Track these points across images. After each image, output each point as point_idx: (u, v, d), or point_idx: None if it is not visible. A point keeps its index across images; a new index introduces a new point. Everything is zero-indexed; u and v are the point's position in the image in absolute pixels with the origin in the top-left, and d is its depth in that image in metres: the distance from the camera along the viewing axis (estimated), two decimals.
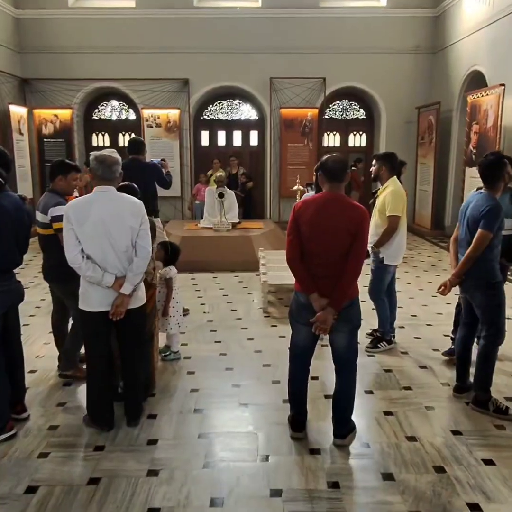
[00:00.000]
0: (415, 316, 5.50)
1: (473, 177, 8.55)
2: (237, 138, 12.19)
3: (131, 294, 3.05)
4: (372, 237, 4.38)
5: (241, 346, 4.65)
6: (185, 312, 5.52)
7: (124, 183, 3.50)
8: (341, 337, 3.00)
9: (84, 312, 3.08)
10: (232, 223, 8.35)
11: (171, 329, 4.29)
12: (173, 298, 4.31)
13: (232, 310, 5.73)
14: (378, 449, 3.06)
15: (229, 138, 12.17)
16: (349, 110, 12.15)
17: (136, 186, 3.65)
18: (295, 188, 8.04)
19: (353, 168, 10.84)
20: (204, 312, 5.66)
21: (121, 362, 3.29)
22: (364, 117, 12.17)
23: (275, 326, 5.20)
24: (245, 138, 12.17)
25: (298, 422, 3.21)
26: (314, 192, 4.70)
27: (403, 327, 5.11)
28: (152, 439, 3.16)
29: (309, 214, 2.89)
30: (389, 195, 4.27)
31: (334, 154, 3.00)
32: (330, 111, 12.02)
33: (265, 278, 5.73)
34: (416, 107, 11.21)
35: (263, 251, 7.28)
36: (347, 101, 12.09)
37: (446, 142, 10.43)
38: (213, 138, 12.17)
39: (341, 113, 12.15)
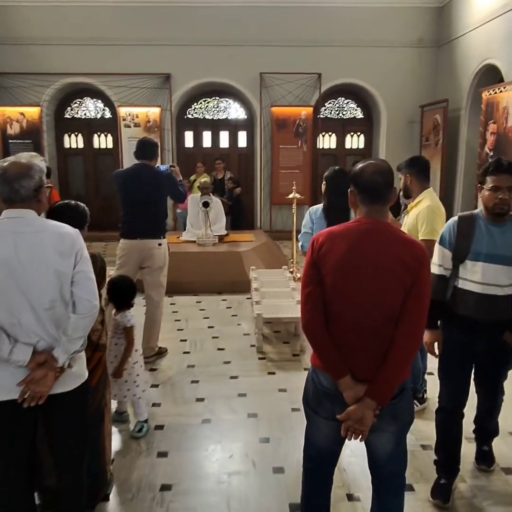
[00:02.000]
0: None
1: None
2: (224, 139, 11.14)
3: (63, 369, 1.99)
4: None
5: (230, 408, 3.59)
6: (163, 352, 4.47)
7: (60, 203, 2.45)
8: (384, 440, 1.96)
9: None
10: (218, 236, 7.31)
11: (134, 395, 3.23)
12: (137, 350, 3.27)
13: (219, 349, 4.67)
14: None
15: (215, 139, 11.11)
16: (346, 109, 11.16)
17: (81, 204, 2.56)
18: (291, 196, 7.02)
19: None
20: (185, 352, 4.59)
21: (53, 460, 2.23)
22: (362, 116, 11.19)
23: (273, 373, 4.15)
24: (233, 139, 11.13)
25: None
26: (322, 206, 3.70)
27: (431, 373, 4.09)
28: None
29: (338, 254, 1.86)
30: (425, 212, 3.24)
31: (371, 161, 1.96)
32: (325, 110, 11.03)
33: (259, 309, 4.68)
34: (420, 105, 10.25)
35: (255, 271, 6.24)
36: (344, 99, 11.10)
37: (454, 143, 9.48)
38: (197, 139, 11.11)
39: (337, 112, 11.15)
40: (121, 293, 3.23)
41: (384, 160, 2.01)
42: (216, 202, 7.46)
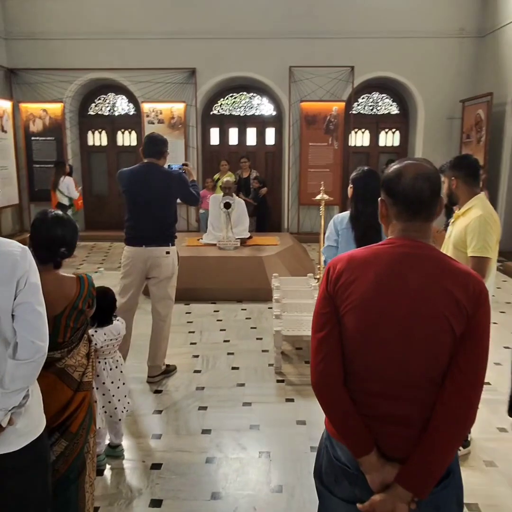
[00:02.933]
0: (488, 384, 3.90)
1: None
2: (251, 136, 10.67)
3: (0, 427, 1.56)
4: None
5: (240, 444, 3.12)
6: (171, 371, 4.05)
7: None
8: None
9: None
10: (240, 239, 6.85)
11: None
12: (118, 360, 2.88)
13: (233, 367, 4.22)
14: None
15: (242, 136, 10.66)
16: (380, 104, 10.53)
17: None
18: (319, 197, 6.49)
19: None
20: (195, 371, 4.15)
21: None
22: (398, 112, 10.54)
23: (291, 400, 3.67)
24: (260, 136, 10.65)
25: None
26: (349, 214, 3.19)
27: None
28: None
29: (363, 288, 1.38)
30: (476, 223, 2.67)
31: (411, 161, 1.45)
32: (358, 105, 10.43)
33: (279, 325, 4.20)
34: (461, 100, 9.56)
35: (277, 278, 5.76)
36: (378, 94, 10.47)
37: (497, 141, 8.77)
38: (223, 136, 10.67)
39: (370, 108, 10.54)
40: (102, 308, 2.80)
41: (427, 160, 1.50)
42: (239, 203, 7.01)
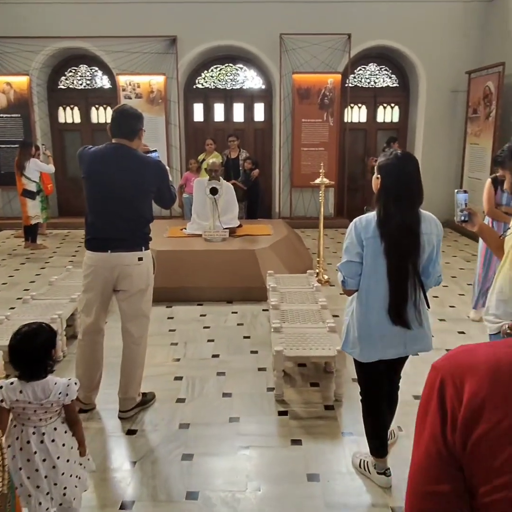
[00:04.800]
0: None
1: None
2: (238, 112, 9.78)
3: None
4: (500, 304, 2.18)
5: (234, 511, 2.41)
6: (148, 401, 3.31)
7: None
8: None
9: None
10: (229, 228, 6.07)
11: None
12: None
13: (224, 394, 3.47)
14: None
15: (228, 112, 9.76)
16: (378, 76, 9.69)
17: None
18: (318, 181, 5.72)
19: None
20: (178, 400, 3.41)
21: None
22: (397, 85, 9.72)
23: (298, 442, 2.94)
24: (249, 112, 9.76)
25: None
26: (375, 219, 2.36)
27: None
28: None
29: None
30: None
31: None
32: (354, 78, 9.58)
33: (280, 343, 3.45)
34: (466, 71, 8.77)
35: (272, 276, 5.01)
36: (376, 65, 9.63)
37: (507, 116, 8.02)
38: (208, 112, 9.77)
39: (368, 81, 9.69)
40: (26, 356, 2.01)
41: None
42: (227, 188, 6.20)
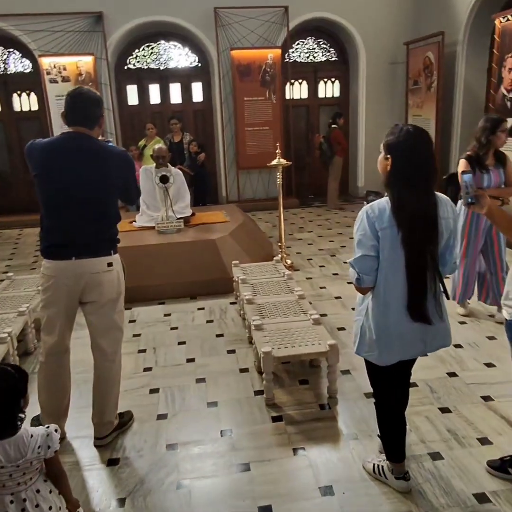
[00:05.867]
0: None
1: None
2: (175, 93, 9.26)
3: None
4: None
5: None
6: (126, 423, 2.95)
7: None
8: None
9: None
10: (183, 218, 5.68)
11: None
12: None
13: (209, 404, 3.17)
14: None
15: (164, 93, 9.22)
16: (317, 50, 9.46)
17: None
18: (275, 162, 5.43)
19: (333, 125, 8.31)
20: (160, 417, 3.06)
21: None
22: (336, 59, 9.54)
23: (300, 450, 2.70)
24: (186, 92, 9.26)
25: None
26: (389, 206, 2.07)
27: None
28: None
29: None
30: None
31: None
32: (293, 52, 9.30)
33: (266, 344, 3.17)
34: (405, 42, 8.71)
35: (238, 267, 4.72)
36: (314, 39, 9.39)
37: (449, 86, 8.04)
38: (143, 94, 9.18)
39: (307, 55, 9.44)
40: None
41: None
42: (177, 174, 5.79)
